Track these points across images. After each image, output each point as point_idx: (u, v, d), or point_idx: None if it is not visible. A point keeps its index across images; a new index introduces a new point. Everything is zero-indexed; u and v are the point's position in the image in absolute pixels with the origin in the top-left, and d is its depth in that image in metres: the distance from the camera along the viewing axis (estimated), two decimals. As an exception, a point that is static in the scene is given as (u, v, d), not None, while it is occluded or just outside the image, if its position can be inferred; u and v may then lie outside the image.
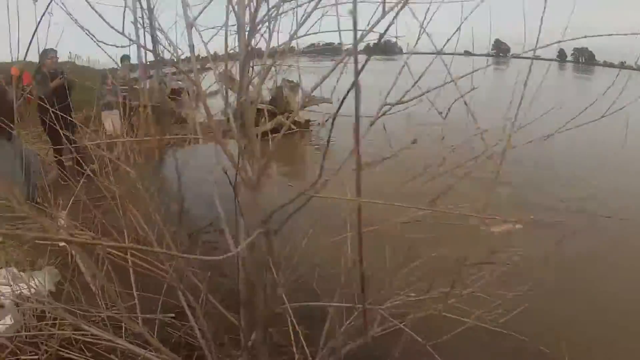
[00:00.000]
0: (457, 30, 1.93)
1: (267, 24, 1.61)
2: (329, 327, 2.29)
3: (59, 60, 6.65)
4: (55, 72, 5.62)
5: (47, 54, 5.32)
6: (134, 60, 8.38)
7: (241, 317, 2.02)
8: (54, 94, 5.21)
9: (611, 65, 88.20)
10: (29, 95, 6.58)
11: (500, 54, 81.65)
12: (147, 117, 7.04)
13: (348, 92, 1.26)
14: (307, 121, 12.26)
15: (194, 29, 1.45)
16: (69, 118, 3.92)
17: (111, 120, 7.60)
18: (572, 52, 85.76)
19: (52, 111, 3.06)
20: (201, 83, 1.85)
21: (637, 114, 4.21)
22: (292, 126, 9.57)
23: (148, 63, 6.75)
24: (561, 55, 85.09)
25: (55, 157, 5.93)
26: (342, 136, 1.79)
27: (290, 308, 1.92)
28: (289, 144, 10.03)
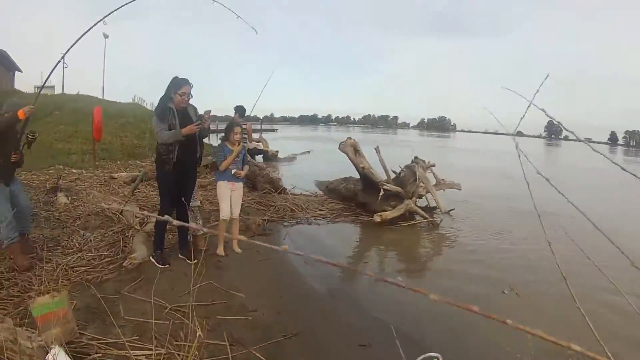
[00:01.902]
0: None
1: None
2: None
3: None
4: None
5: None
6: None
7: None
8: None
9: None
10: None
11: (553, 136, 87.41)
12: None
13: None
14: (434, 207, 13.35)
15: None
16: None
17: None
18: (624, 135, 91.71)
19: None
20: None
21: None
22: (425, 215, 12.14)
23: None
24: (612, 138, 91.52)
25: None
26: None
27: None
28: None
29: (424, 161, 13.48)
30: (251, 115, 16.80)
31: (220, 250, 7.16)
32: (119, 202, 9.04)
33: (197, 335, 3.62)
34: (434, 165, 14.03)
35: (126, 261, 5.95)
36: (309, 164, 23.24)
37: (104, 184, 11.82)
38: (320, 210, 11.94)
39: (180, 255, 6.63)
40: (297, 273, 7.45)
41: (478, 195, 15.94)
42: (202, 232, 7.22)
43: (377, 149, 12.41)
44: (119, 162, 15.28)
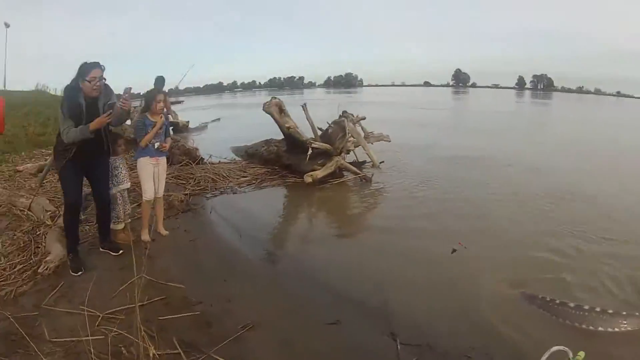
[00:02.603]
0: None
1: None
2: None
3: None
4: None
5: None
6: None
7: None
8: None
9: (569, 91, 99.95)
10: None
11: (460, 84, 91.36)
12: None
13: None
14: (363, 162, 13.64)
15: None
16: None
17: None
18: (532, 79, 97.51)
19: None
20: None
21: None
22: (357, 171, 12.20)
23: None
24: (520, 83, 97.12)
25: None
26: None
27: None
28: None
29: (352, 115, 13.37)
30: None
31: (146, 236, 6.65)
32: (26, 197, 8.08)
33: (144, 347, 3.25)
34: (364, 119, 13.95)
35: (41, 267, 5.31)
36: (221, 131, 22.71)
37: (9, 179, 10.66)
38: (243, 177, 11.56)
39: (102, 249, 6.12)
40: (234, 249, 7.10)
41: (403, 145, 16.13)
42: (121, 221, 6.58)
43: (304, 107, 12.05)
44: (23, 153, 13.87)
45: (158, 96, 6.47)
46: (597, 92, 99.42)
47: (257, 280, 5.99)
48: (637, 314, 5.16)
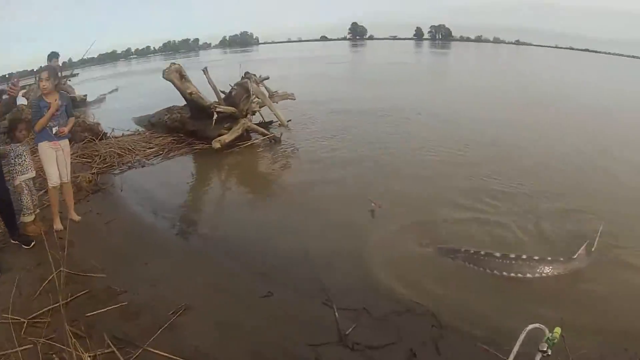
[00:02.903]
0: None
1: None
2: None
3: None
4: None
5: None
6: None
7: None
8: None
9: (468, 40, 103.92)
10: None
11: (357, 37, 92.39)
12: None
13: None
14: (270, 122, 13.65)
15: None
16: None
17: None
18: (429, 29, 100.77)
19: None
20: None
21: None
22: (265, 132, 12.36)
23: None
24: (418, 34, 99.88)
25: None
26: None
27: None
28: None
29: (255, 75, 13.15)
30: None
31: (58, 224, 6.47)
32: None
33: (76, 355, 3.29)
34: (267, 78, 13.79)
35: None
36: (121, 102, 21.53)
37: None
38: (149, 148, 11.35)
39: (12, 241, 5.91)
40: (151, 227, 7.09)
41: (307, 102, 16.31)
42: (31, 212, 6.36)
43: (204, 70, 11.87)
44: None
45: (42, 74, 6.14)
46: (496, 40, 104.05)
47: (180, 259, 5.98)
48: (561, 259, 5.65)
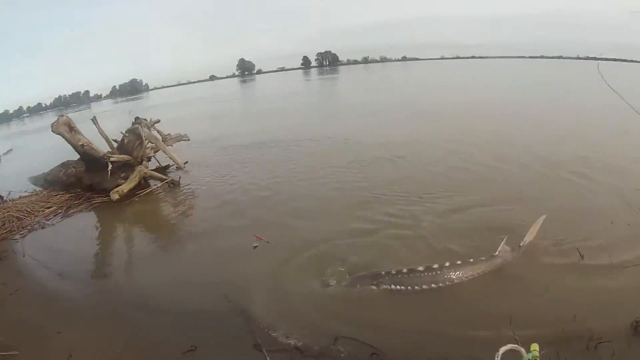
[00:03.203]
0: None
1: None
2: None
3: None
4: None
5: None
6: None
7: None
8: None
9: (355, 62, 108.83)
10: None
11: (246, 72, 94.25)
12: None
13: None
14: (166, 166, 13.93)
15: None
16: None
17: None
18: (316, 57, 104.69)
19: None
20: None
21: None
22: (163, 177, 12.52)
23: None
24: (306, 63, 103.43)
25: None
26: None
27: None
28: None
29: (146, 119, 13.43)
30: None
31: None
32: None
33: None
34: (158, 121, 14.12)
35: None
36: (16, 163, 20.84)
37: None
38: (48, 207, 11.20)
39: None
40: (59, 291, 7.07)
41: (201, 141, 16.87)
42: None
43: (94, 120, 11.96)
44: None
45: None
46: (383, 59, 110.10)
47: (94, 322, 5.94)
48: (482, 258, 6.09)
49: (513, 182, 9.84)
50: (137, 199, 11.41)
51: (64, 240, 9.40)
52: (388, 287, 5.76)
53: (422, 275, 5.81)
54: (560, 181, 9.62)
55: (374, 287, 5.81)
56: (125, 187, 11.35)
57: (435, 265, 5.92)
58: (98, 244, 9.32)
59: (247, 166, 13.64)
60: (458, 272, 5.90)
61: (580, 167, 10.25)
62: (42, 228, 10.14)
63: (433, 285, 5.73)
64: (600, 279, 5.73)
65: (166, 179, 12.38)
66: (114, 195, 10.97)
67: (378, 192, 9.77)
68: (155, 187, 12.17)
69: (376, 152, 13.44)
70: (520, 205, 8.28)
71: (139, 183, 11.95)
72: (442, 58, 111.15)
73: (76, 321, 6.00)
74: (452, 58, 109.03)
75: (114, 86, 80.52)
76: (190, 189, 12.06)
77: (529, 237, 6.58)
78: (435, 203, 8.80)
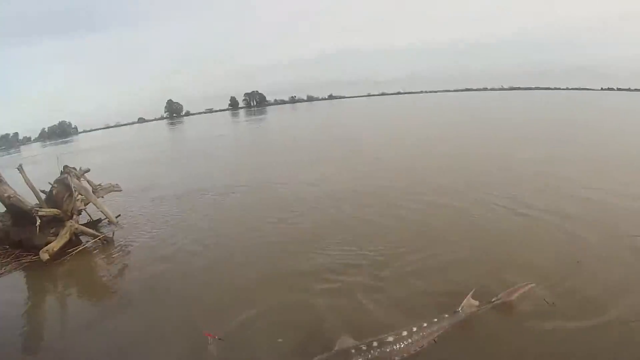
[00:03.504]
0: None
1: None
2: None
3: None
4: None
5: None
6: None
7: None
8: None
9: (282, 102, 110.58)
10: None
11: (174, 115, 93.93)
12: None
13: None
14: (98, 220, 13.23)
15: None
16: None
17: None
18: (244, 97, 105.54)
19: None
20: None
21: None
22: (95, 233, 11.93)
23: None
24: (233, 103, 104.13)
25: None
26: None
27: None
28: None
29: (75, 168, 12.69)
30: None
31: None
32: None
33: None
34: (88, 171, 13.44)
35: None
36: None
37: None
38: None
39: None
40: None
41: (132, 190, 16.45)
42: None
43: (20, 168, 11.26)
44: None
45: None
46: (310, 98, 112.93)
47: None
48: (446, 315, 6.13)
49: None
50: (68, 258, 10.84)
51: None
52: None
53: (393, 346, 5.56)
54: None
55: None
56: (55, 246, 10.79)
57: (404, 332, 5.75)
58: (27, 314, 8.63)
59: (177, 219, 13.54)
60: (426, 334, 5.84)
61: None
62: (-35, 292, 9.23)
63: (404, 355, 5.55)
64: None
65: (99, 235, 11.86)
66: (44, 255, 10.38)
67: (322, 247, 9.91)
68: (87, 243, 11.64)
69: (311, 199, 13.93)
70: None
71: (70, 240, 11.41)
72: (369, 95, 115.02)
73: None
74: (378, 95, 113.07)
75: (43, 128, 77.34)
76: (125, 245, 11.62)
77: (506, 297, 6.68)
78: (388, 258, 8.95)
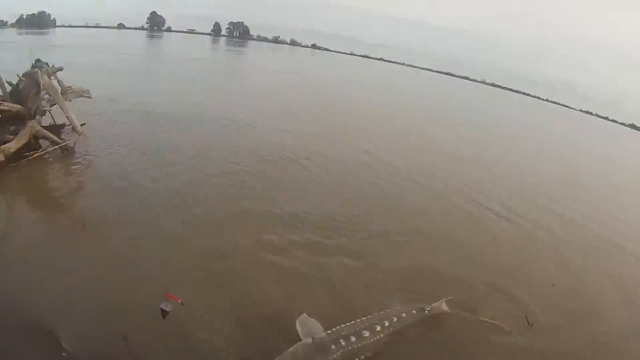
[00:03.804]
0: None
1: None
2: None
3: None
4: None
5: None
6: None
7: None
8: None
9: (265, 40, 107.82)
10: None
11: (155, 27, 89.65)
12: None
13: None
14: (62, 125, 12.27)
15: None
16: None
17: None
18: (228, 26, 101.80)
19: None
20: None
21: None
22: (57, 139, 10.98)
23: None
24: (216, 29, 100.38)
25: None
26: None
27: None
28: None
29: (47, 65, 11.49)
30: None
31: None
32: None
33: None
34: (61, 69, 12.24)
35: None
36: None
37: None
38: None
39: None
40: None
41: (101, 98, 15.18)
42: None
43: None
44: None
45: None
46: (293, 42, 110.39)
47: None
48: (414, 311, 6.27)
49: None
50: (24, 162, 10.01)
51: None
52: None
53: (369, 341, 5.51)
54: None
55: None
56: (12, 146, 9.92)
57: (377, 327, 5.75)
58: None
59: (149, 139, 13.00)
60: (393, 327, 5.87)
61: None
62: None
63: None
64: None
65: (60, 143, 11.00)
66: (-1, 156, 9.45)
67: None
68: (46, 150, 10.76)
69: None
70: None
71: (29, 142, 10.49)
72: (352, 54, 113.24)
73: None
74: (361, 56, 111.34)
75: (22, 14, 72.71)
76: (85, 159, 10.93)
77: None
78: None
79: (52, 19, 75.51)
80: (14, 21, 70.14)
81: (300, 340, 5.37)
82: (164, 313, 5.32)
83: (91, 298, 5.95)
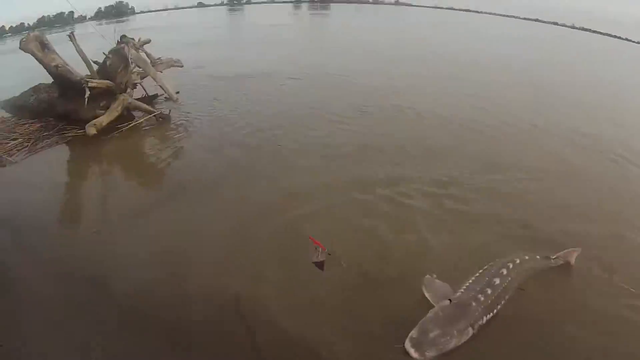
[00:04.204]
0: None
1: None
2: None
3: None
4: None
5: None
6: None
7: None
8: None
9: (347, 1, 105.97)
10: None
11: (235, 2, 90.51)
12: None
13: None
14: (154, 96, 12.11)
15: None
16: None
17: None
18: None
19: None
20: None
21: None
22: (150, 109, 10.72)
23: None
24: None
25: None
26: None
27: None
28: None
29: (133, 39, 11.17)
30: None
31: None
32: None
33: None
34: (148, 42, 11.89)
35: None
36: None
37: None
38: (13, 139, 9.24)
39: None
40: (14, 264, 5.63)
41: (191, 68, 14.76)
42: None
43: (71, 36, 9.91)
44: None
45: None
46: (376, 1, 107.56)
47: (62, 314, 4.80)
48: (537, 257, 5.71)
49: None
50: (117, 134, 9.70)
51: (24, 186, 7.64)
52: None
53: (502, 287, 5.04)
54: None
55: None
56: (104, 120, 9.62)
57: (504, 271, 5.20)
58: (65, 195, 7.75)
59: (247, 102, 12.13)
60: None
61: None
62: (3, 166, 8.33)
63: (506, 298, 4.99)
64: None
65: (154, 112, 10.67)
66: (91, 130, 9.18)
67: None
68: (140, 120, 10.44)
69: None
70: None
71: (121, 115, 10.21)
72: (436, 7, 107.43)
73: (38, 308, 4.86)
74: (446, 8, 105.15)
75: (99, 7, 77.70)
76: (182, 124, 10.43)
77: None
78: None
79: (130, 7, 79.35)
80: (92, 15, 74.79)
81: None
82: (320, 264, 4.73)
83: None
